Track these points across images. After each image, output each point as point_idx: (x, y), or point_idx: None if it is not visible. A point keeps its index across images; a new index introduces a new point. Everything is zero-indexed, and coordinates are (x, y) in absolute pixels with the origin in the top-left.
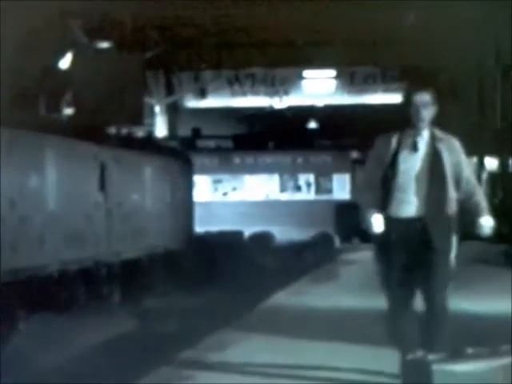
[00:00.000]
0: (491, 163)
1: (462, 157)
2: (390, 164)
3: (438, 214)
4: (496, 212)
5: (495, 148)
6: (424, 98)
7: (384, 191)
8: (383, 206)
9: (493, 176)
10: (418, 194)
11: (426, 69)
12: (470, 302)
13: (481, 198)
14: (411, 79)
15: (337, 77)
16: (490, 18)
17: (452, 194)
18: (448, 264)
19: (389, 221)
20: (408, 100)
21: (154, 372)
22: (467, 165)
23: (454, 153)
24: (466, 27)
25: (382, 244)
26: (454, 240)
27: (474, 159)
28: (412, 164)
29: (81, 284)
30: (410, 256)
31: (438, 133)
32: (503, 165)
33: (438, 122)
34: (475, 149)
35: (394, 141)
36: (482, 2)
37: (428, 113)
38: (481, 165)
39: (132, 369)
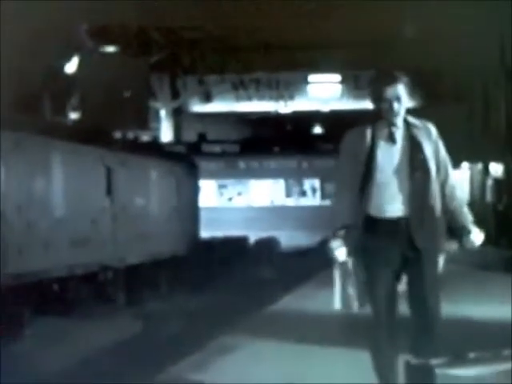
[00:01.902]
0: (496, 169)
1: (440, 144)
2: (367, 159)
3: (423, 211)
4: (500, 218)
5: (500, 154)
6: (397, 90)
7: (363, 190)
8: (363, 205)
9: (498, 182)
10: (401, 190)
11: (430, 73)
12: (471, 307)
13: (462, 204)
14: (378, 68)
15: (342, 81)
16: (493, 22)
17: (436, 187)
18: (436, 268)
19: (370, 222)
20: (378, 93)
21: (159, 374)
22: (445, 154)
23: (431, 140)
24: (469, 31)
25: (364, 248)
26: (442, 241)
27: (479, 165)
28: (391, 157)
29: (86, 288)
30: (395, 260)
31: (413, 120)
32: (508, 171)
33: (442, 128)
34: (480, 155)
35: (367, 133)
36: (486, 5)
37: (402, 106)
38: (485, 171)
39: (136, 370)
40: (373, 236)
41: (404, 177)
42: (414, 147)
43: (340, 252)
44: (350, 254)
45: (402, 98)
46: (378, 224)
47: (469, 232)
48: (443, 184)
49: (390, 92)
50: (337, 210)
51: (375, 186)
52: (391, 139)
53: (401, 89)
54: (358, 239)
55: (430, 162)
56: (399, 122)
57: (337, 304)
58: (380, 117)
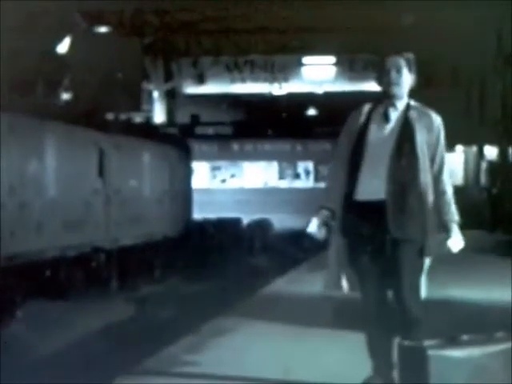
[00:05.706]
0: (491, 152)
1: (441, 138)
2: (358, 137)
3: (404, 200)
4: (495, 202)
5: (495, 137)
6: (397, 60)
7: (351, 168)
8: (350, 185)
9: (492, 165)
10: (387, 174)
11: (426, 57)
12: (467, 290)
13: (450, 201)
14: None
15: (336, 63)
16: (491, 6)
17: (426, 180)
18: (417, 264)
19: (354, 204)
20: (380, 67)
21: (153, 357)
22: (443, 148)
23: (431, 130)
24: (467, 15)
25: (346, 230)
26: (429, 235)
27: (474, 148)
28: (382, 138)
29: (79, 270)
30: (376, 246)
31: (415, 105)
32: (503, 154)
33: (438, 111)
34: (475, 138)
35: (364, 111)
36: None
37: (401, 78)
38: (480, 154)
39: (130, 354)
40: (354, 219)
41: (391, 160)
42: (405, 132)
43: (312, 227)
44: (333, 233)
45: (402, 70)
46: (360, 206)
47: (449, 234)
48: (436, 177)
49: (389, 62)
50: (326, 190)
51: (363, 166)
52: (385, 118)
53: (401, 61)
54: (340, 221)
55: (421, 150)
56: (399, 102)
57: (326, 283)
58: (385, 96)
